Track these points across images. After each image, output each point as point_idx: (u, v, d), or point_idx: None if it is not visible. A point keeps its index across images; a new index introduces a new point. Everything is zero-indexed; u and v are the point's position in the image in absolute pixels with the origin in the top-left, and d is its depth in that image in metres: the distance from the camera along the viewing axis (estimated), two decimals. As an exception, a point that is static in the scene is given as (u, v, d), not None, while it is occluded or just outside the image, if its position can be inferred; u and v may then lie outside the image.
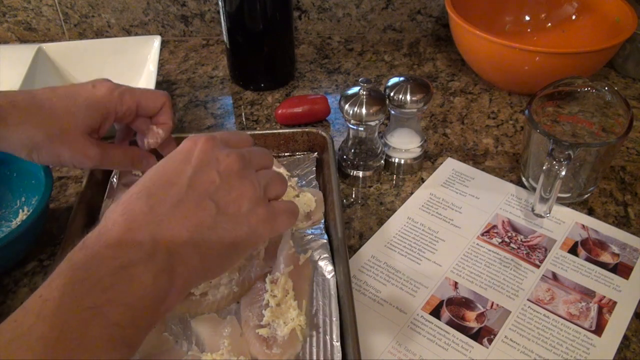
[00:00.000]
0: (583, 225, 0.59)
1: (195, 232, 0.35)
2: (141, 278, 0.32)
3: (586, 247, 0.57)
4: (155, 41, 0.75)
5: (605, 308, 0.51)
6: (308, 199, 0.57)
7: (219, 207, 0.37)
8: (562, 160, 0.52)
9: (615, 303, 0.52)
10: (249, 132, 0.64)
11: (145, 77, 0.75)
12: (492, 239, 0.58)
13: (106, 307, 0.30)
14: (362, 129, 0.60)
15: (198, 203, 0.36)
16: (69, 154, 0.48)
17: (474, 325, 0.50)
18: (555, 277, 0.54)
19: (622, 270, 0.55)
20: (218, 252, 0.37)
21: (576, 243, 0.57)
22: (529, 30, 0.86)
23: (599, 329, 0.50)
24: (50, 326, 0.28)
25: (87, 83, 0.50)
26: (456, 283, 0.53)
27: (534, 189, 0.58)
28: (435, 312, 0.51)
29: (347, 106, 0.58)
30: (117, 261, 0.32)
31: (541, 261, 0.56)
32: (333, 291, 0.49)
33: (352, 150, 0.63)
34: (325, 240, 0.54)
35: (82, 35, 0.91)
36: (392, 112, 0.62)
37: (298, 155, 0.65)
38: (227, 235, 0.37)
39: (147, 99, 0.51)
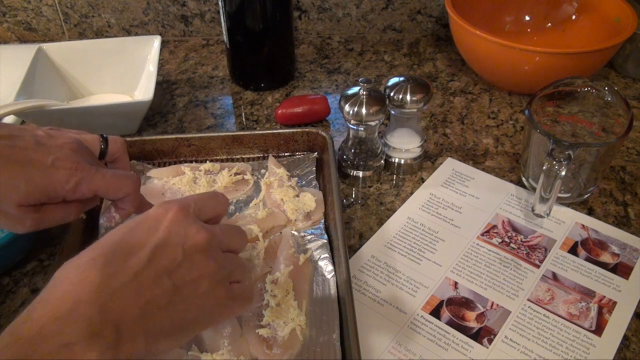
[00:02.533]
0: (583, 225, 0.59)
1: (146, 310, 0.33)
2: (85, 356, 0.30)
3: (586, 247, 0.57)
4: (155, 41, 0.75)
5: (605, 308, 0.51)
6: (308, 199, 0.57)
7: (176, 286, 0.35)
8: (562, 160, 0.52)
9: (615, 303, 0.52)
10: (249, 132, 0.64)
11: (145, 77, 0.75)
12: (492, 239, 0.58)
13: None
14: (362, 129, 0.60)
15: (155, 280, 0.34)
16: (2, 221, 0.43)
17: (474, 325, 0.50)
18: (555, 277, 0.54)
19: (622, 270, 0.55)
20: (167, 332, 0.35)
21: (576, 243, 0.57)
22: (529, 30, 0.86)
23: (599, 329, 0.50)
24: None
25: (48, 155, 0.43)
26: (456, 283, 0.53)
27: (534, 189, 0.58)
28: (435, 312, 0.51)
29: (347, 106, 0.58)
30: (62, 338, 0.30)
31: (541, 261, 0.56)
32: (333, 291, 0.49)
33: (352, 150, 0.63)
34: (325, 240, 0.54)
35: (82, 35, 0.91)
36: (392, 112, 0.62)
37: (298, 155, 0.65)
38: (178, 317, 0.35)
39: (108, 189, 0.45)
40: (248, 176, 0.61)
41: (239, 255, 0.42)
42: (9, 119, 0.72)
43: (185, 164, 0.62)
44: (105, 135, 0.50)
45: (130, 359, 0.33)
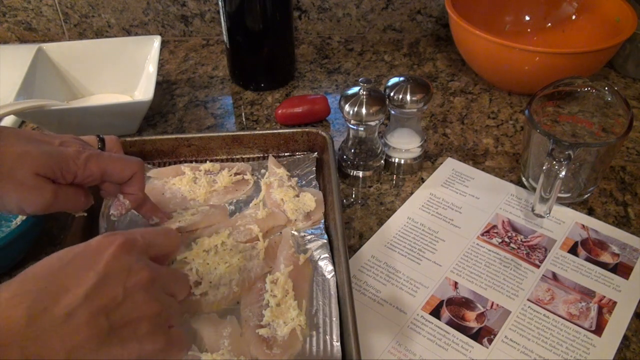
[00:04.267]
0: (583, 225, 0.59)
1: (74, 354, 0.31)
2: None
3: (586, 247, 0.57)
4: (155, 41, 0.75)
5: (605, 308, 0.51)
6: (308, 199, 0.57)
7: (113, 328, 0.33)
8: (562, 160, 0.52)
9: (615, 303, 0.52)
10: (249, 132, 0.64)
11: (145, 77, 0.75)
12: (492, 239, 0.58)
13: None
14: (362, 129, 0.60)
15: (89, 320, 0.32)
16: (15, 193, 0.42)
17: (474, 325, 0.50)
18: (555, 277, 0.54)
19: (622, 270, 0.55)
20: None
21: (576, 243, 0.57)
22: (529, 30, 0.86)
23: (599, 329, 0.50)
24: None
25: (55, 138, 0.45)
26: (456, 283, 0.53)
27: (534, 189, 0.58)
28: (435, 312, 0.51)
29: (347, 106, 0.58)
30: None
31: (541, 261, 0.56)
32: (333, 291, 0.49)
33: (352, 150, 0.63)
34: (325, 240, 0.54)
35: (82, 35, 0.91)
36: (392, 112, 0.62)
37: (298, 155, 0.65)
38: (114, 356, 0.33)
39: (115, 168, 0.46)
40: (248, 176, 0.61)
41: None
42: (9, 119, 0.72)
43: (185, 164, 0.62)
44: (101, 136, 0.51)
45: None
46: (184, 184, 0.59)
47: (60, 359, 0.30)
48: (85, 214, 0.51)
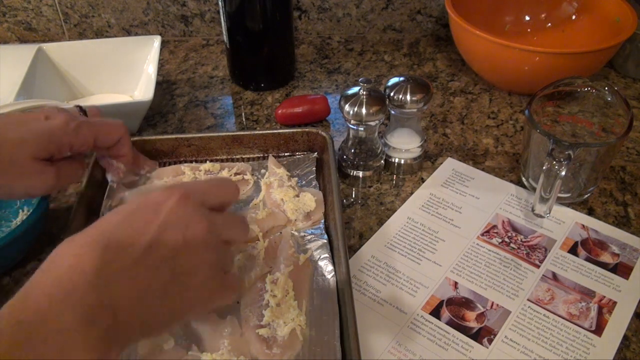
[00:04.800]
0: (583, 225, 0.59)
1: (143, 297, 0.33)
2: (84, 340, 0.30)
3: (586, 247, 0.57)
4: (155, 41, 0.75)
5: (605, 308, 0.51)
6: (308, 199, 0.57)
7: (174, 275, 0.35)
8: (562, 160, 0.52)
9: (615, 303, 0.52)
10: (249, 132, 0.64)
11: (145, 77, 0.75)
12: (492, 239, 0.58)
13: None
14: (362, 129, 0.60)
15: (153, 268, 0.34)
16: (20, 182, 0.45)
17: (474, 325, 0.50)
18: (555, 277, 0.54)
19: (622, 270, 0.55)
20: (161, 320, 0.35)
21: (576, 243, 0.57)
22: (529, 30, 0.86)
23: (599, 329, 0.50)
24: None
25: (39, 113, 0.47)
26: (456, 283, 0.53)
27: (534, 189, 0.58)
28: (435, 312, 0.51)
29: (347, 106, 0.58)
30: (58, 324, 0.30)
31: (541, 261, 0.56)
32: (333, 291, 0.49)
33: (352, 150, 0.63)
34: (325, 240, 0.54)
35: (82, 35, 0.91)
36: (392, 112, 0.62)
37: (298, 155, 0.65)
38: (174, 305, 0.35)
39: (104, 132, 0.49)
40: (248, 176, 0.61)
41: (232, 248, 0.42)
42: (9, 119, 0.72)
43: (185, 164, 0.62)
44: (82, 106, 0.53)
45: (125, 343, 0.33)
46: (183, 184, 0.59)
47: (131, 300, 0.33)
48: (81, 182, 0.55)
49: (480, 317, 0.51)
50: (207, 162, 0.62)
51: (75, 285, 0.31)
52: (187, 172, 0.60)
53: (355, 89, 0.59)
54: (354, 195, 0.63)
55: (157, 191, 0.38)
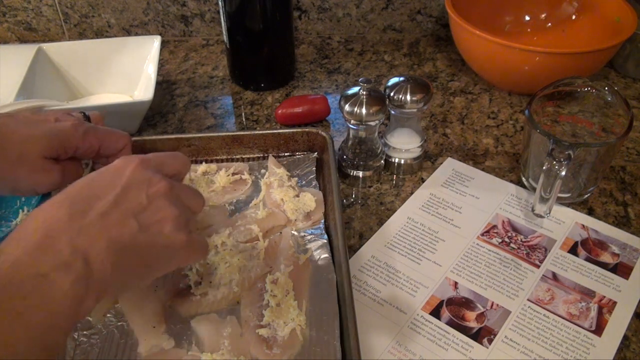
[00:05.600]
0: (583, 225, 0.59)
1: (113, 245, 0.35)
2: (59, 284, 0.32)
3: (586, 247, 0.57)
4: (155, 41, 0.75)
5: (605, 308, 0.51)
6: (308, 199, 0.57)
7: (141, 226, 0.37)
8: (562, 160, 0.52)
9: (615, 303, 0.52)
10: (249, 132, 0.64)
11: (145, 77, 0.75)
12: (492, 239, 0.58)
13: (27, 312, 0.31)
14: (362, 129, 0.60)
15: (120, 220, 0.36)
16: (27, 177, 0.46)
17: (474, 325, 0.50)
18: (555, 277, 0.54)
19: (622, 270, 0.55)
20: (133, 268, 0.37)
21: (576, 243, 0.57)
22: (529, 30, 0.86)
23: (599, 329, 0.50)
24: None
25: (49, 115, 0.49)
26: (456, 283, 0.53)
27: (534, 189, 0.58)
28: (435, 312, 0.51)
29: (347, 106, 0.58)
30: (36, 268, 0.32)
31: (541, 261, 0.56)
32: (333, 291, 0.49)
33: (352, 150, 0.63)
34: (325, 240, 0.54)
35: (82, 35, 0.91)
36: (392, 112, 0.62)
37: (298, 155, 0.65)
38: (144, 253, 0.37)
39: (110, 140, 0.50)
40: (246, 176, 0.61)
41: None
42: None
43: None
44: (86, 113, 0.53)
45: (102, 290, 0.35)
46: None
47: (102, 247, 0.35)
48: None
49: (480, 317, 0.51)
50: (203, 163, 0.62)
51: (48, 234, 0.34)
52: None
53: (355, 89, 0.59)
54: (354, 195, 0.63)
55: (116, 160, 0.40)
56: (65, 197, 0.36)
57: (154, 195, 0.39)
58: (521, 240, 0.58)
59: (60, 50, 0.75)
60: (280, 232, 0.56)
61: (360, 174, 0.63)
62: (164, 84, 0.81)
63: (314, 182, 0.61)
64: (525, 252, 0.56)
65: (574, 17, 0.83)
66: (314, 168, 0.63)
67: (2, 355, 0.30)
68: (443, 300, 0.52)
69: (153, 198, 0.38)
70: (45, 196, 0.54)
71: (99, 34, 0.91)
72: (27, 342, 0.31)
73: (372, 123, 0.59)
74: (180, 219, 0.40)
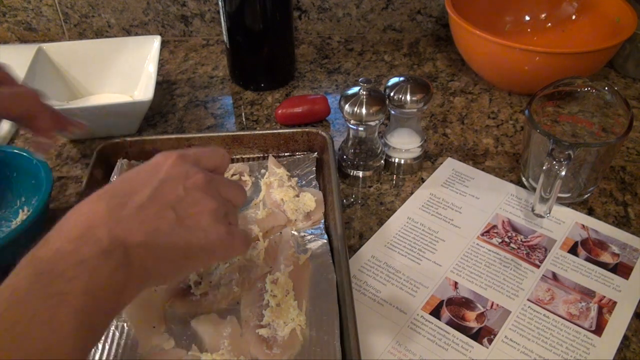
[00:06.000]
0: (583, 225, 0.59)
1: (151, 236, 0.36)
2: (100, 271, 0.33)
3: (586, 247, 0.57)
4: (155, 41, 0.75)
5: (605, 308, 0.51)
6: (308, 199, 0.57)
7: (179, 218, 0.37)
8: (562, 160, 0.52)
9: (615, 303, 0.52)
10: (249, 132, 0.64)
11: (145, 77, 0.75)
12: (492, 239, 0.58)
13: (71, 295, 0.32)
14: (362, 129, 0.60)
15: (158, 211, 0.37)
16: None
17: (474, 325, 0.50)
18: (555, 277, 0.54)
19: (622, 270, 0.55)
20: (171, 259, 0.37)
21: (576, 243, 0.57)
22: (529, 30, 0.86)
23: (599, 329, 0.50)
24: (21, 312, 0.31)
25: None
26: (456, 283, 0.53)
27: (534, 189, 0.58)
28: (435, 312, 0.51)
29: (347, 106, 0.58)
30: (78, 255, 0.33)
31: (541, 261, 0.56)
32: (333, 291, 0.49)
33: (352, 150, 0.63)
34: (325, 240, 0.54)
35: (82, 35, 0.91)
36: (392, 112, 0.62)
37: (298, 155, 0.65)
38: (182, 245, 0.37)
39: (11, 103, 0.49)
40: (246, 177, 0.61)
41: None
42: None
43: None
44: None
45: (142, 279, 0.36)
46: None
47: (140, 238, 0.35)
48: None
49: (480, 317, 0.51)
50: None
51: (88, 225, 0.35)
52: None
53: (355, 89, 0.59)
54: (354, 195, 0.63)
55: (155, 156, 0.41)
56: (105, 192, 0.37)
57: (191, 187, 0.39)
58: (521, 240, 0.58)
59: (60, 50, 0.75)
60: (280, 232, 0.56)
61: (360, 174, 0.63)
62: (164, 84, 0.81)
63: (314, 182, 0.61)
64: (525, 252, 0.56)
65: (574, 17, 0.83)
66: (314, 168, 0.63)
67: (49, 336, 0.31)
68: (443, 300, 0.52)
69: (190, 190, 0.38)
70: (45, 198, 0.54)
71: (99, 34, 0.91)
72: (72, 325, 0.32)
73: (372, 123, 0.59)
74: (219, 211, 0.39)
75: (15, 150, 0.58)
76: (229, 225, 0.40)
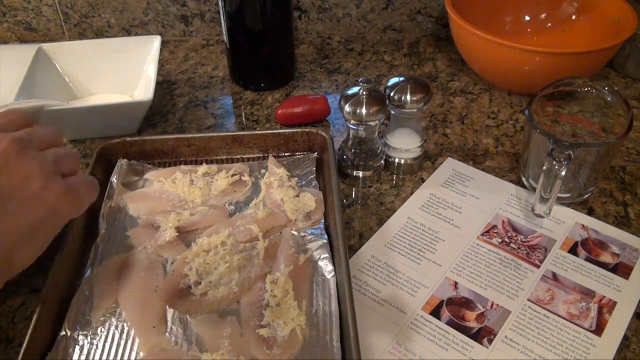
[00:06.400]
0: (583, 225, 0.59)
1: None
2: None
3: (586, 247, 0.57)
4: (155, 41, 0.75)
5: (605, 308, 0.51)
6: (308, 199, 0.57)
7: (4, 195, 0.34)
8: (562, 160, 0.52)
9: (615, 303, 0.52)
10: (249, 132, 0.64)
11: (145, 77, 0.75)
12: (492, 239, 0.58)
13: None
14: (362, 129, 0.60)
15: None
16: None
17: (474, 325, 0.50)
18: (555, 277, 0.54)
19: (622, 270, 0.55)
20: (20, 237, 0.35)
21: (576, 243, 0.57)
22: (529, 30, 0.86)
23: (599, 329, 0.50)
24: None
25: None
26: (456, 283, 0.53)
27: (534, 189, 0.58)
28: (435, 312, 0.51)
29: (347, 106, 0.58)
30: None
31: (541, 261, 0.56)
32: (333, 291, 0.49)
33: (352, 150, 0.63)
34: (325, 240, 0.54)
35: (82, 35, 0.91)
36: (392, 112, 0.62)
37: (298, 155, 0.65)
38: (21, 220, 0.35)
39: None
40: (246, 177, 0.61)
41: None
42: (9, 119, 0.72)
43: (182, 166, 0.62)
44: None
45: (4, 273, 0.33)
46: (180, 187, 0.59)
47: None
48: None
49: (480, 317, 0.51)
50: (204, 164, 0.62)
51: None
52: (183, 176, 0.60)
53: (355, 89, 0.59)
54: (354, 195, 0.63)
55: None
56: None
57: (1, 158, 0.35)
58: (521, 240, 0.58)
59: (60, 50, 0.75)
60: (280, 232, 0.56)
61: (360, 174, 0.63)
62: (164, 84, 0.81)
63: (314, 182, 0.61)
64: (525, 252, 0.56)
65: (574, 17, 0.83)
66: (314, 168, 0.63)
67: None
68: (443, 300, 0.52)
69: (3, 161, 0.35)
70: None
71: (99, 34, 0.91)
72: None
73: (372, 123, 0.59)
74: (45, 168, 0.36)
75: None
76: (62, 178, 0.37)
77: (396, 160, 0.64)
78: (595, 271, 0.55)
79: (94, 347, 0.46)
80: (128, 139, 0.62)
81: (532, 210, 0.58)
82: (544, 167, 0.53)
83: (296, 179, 0.61)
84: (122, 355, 0.45)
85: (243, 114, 0.76)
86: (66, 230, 0.53)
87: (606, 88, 0.59)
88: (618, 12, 0.76)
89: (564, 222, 0.59)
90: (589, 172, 0.58)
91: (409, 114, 0.62)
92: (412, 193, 0.63)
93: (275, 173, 0.61)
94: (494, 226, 0.59)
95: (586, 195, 0.62)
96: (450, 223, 0.60)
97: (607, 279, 0.54)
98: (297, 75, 0.83)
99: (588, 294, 0.53)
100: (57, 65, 0.75)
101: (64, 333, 0.46)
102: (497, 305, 0.52)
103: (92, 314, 0.48)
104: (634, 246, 0.57)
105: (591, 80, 0.60)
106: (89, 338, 0.46)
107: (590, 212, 0.61)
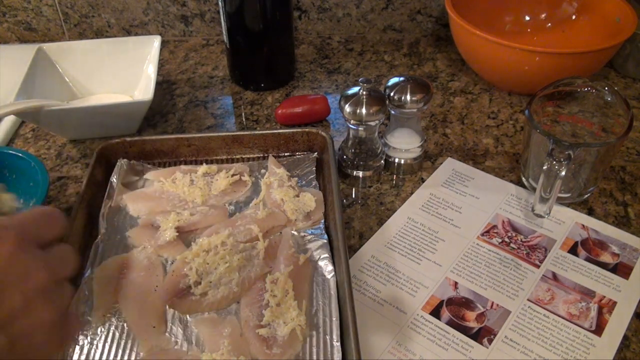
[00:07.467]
0: (583, 225, 0.59)
1: None
2: None
3: (586, 247, 0.57)
4: (155, 41, 0.75)
5: (605, 308, 0.51)
6: (308, 199, 0.57)
7: (12, 342, 0.30)
8: (562, 160, 0.52)
9: (615, 303, 0.52)
10: (249, 132, 0.64)
11: (145, 77, 0.75)
12: (492, 239, 0.58)
13: None
14: (362, 129, 0.60)
15: None
16: None
17: (474, 325, 0.50)
18: (555, 277, 0.54)
19: (622, 270, 0.55)
20: None
21: (576, 243, 0.57)
22: (529, 30, 0.86)
23: (599, 329, 0.50)
24: None
25: None
26: (456, 283, 0.53)
27: (534, 189, 0.58)
28: (435, 312, 0.51)
29: (347, 106, 0.58)
30: None
31: (541, 261, 0.56)
32: (333, 291, 0.49)
33: (352, 150, 0.63)
34: (325, 240, 0.54)
35: (82, 35, 0.91)
36: (392, 112, 0.62)
37: (298, 155, 0.65)
38: None
39: None
40: (246, 177, 0.61)
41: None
42: (8, 119, 0.72)
43: (182, 166, 0.62)
44: None
45: None
46: (180, 187, 0.59)
47: None
48: None
49: (480, 317, 0.50)
50: (204, 164, 0.62)
51: None
52: (183, 176, 0.60)
53: (355, 89, 0.59)
54: (354, 195, 0.63)
55: None
56: None
57: (31, 291, 0.31)
58: (521, 240, 0.58)
59: (60, 50, 0.75)
60: (280, 232, 0.56)
61: (360, 174, 0.63)
62: (164, 84, 0.81)
63: (314, 182, 0.61)
64: (525, 252, 0.56)
65: (574, 17, 0.83)
66: (314, 168, 0.63)
67: None
68: (443, 300, 0.52)
69: (30, 297, 0.31)
70: (45, 198, 0.54)
71: (99, 34, 0.91)
72: None
73: (372, 123, 0.59)
74: (55, 318, 0.33)
75: (13, 152, 0.58)
76: (60, 332, 0.34)
77: (396, 160, 0.64)
78: (595, 271, 0.55)
79: (94, 347, 0.46)
80: (128, 139, 0.62)
81: (532, 210, 0.58)
82: (544, 167, 0.53)
83: (296, 179, 0.61)
84: (122, 355, 0.45)
85: (243, 114, 0.76)
86: (66, 232, 0.53)
87: (606, 88, 0.59)
88: (618, 12, 0.76)
89: (564, 222, 0.59)
90: (589, 172, 0.58)
91: (409, 114, 0.62)
92: (412, 193, 0.63)
93: (275, 173, 0.61)
94: (494, 226, 0.59)
95: (586, 195, 0.61)
96: (450, 223, 0.60)
97: (607, 279, 0.54)
98: (297, 75, 0.83)
99: (588, 294, 0.53)
100: (57, 65, 0.75)
101: (64, 333, 0.46)
102: (497, 305, 0.52)
103: (92, 314, 0.48)
104: (634, 246, 0.57)
105: (591, 80, 0.60)
106: (89, 338, 0.46)
107: (590, 212, 0.61)
